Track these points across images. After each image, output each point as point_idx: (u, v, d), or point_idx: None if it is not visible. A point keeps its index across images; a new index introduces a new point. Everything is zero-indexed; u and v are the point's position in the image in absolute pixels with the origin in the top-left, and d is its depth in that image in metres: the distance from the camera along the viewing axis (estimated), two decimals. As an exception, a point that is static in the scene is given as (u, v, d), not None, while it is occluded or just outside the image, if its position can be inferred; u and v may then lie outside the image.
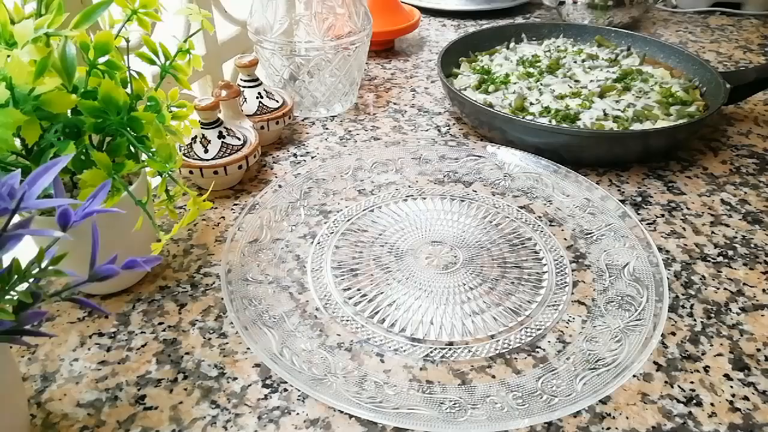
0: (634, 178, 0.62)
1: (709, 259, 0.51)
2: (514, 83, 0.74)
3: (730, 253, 0.52)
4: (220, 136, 0.57)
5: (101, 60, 0.39)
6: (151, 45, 0.44)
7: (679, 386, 0.40)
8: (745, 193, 0.60)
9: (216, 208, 0.57)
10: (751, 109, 0.76)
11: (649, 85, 0.71)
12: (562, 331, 0.43)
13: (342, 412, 0.37)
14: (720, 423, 0.37)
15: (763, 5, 1.08)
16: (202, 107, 0.56)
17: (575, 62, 0.79)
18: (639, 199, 0.59)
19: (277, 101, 0.66)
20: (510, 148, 0.63)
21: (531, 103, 0.69)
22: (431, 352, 0.42)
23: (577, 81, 0.74)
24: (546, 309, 0.45)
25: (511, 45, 0.85)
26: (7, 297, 0.30)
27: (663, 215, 0.57)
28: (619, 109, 0.66)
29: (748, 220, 0.56)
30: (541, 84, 0.73)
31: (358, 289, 0.47)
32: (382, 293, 0.47)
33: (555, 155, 0.61)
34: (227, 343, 0.43)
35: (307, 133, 0.70)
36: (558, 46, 0.84)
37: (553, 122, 0.65)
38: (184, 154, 0.56)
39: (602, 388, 0.37)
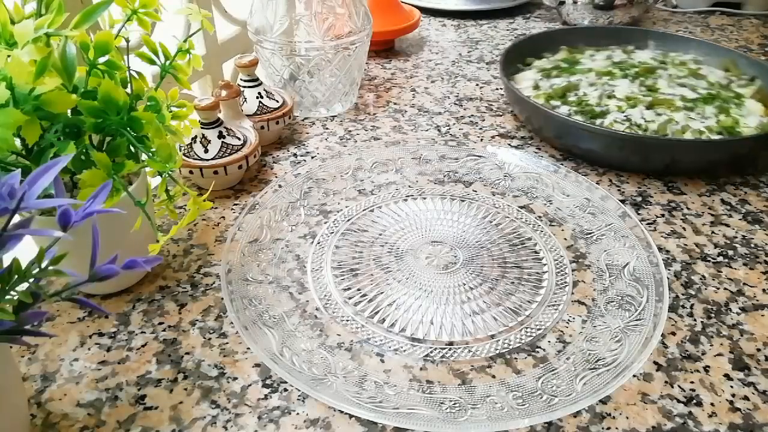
0: (634, 178, 0.62)
1: (709, 259, 0.51)
2: (587, 82, 0.72)
3: (730, 253, 0.52)
4: (220, 136, 0.57)
5: (101, 60, 0.39)
6: (151, 45, 0.44)
7: (679, 386, 0.40)
8: (746, 193, 0.60)
9: (216, 208, 0.57)
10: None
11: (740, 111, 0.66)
12: (562, 331, 0.43)
13: (342, 412, 0.37)
14: (720, 423, 0.37)
15: (763, 5, 1.07)
16: (202, 107, 0.56)
17: (669, 75, 0.74)
18: (639, 199, 0.59)
19: (277, 101, 0.66)
20: (514, 149, 0.62)
21: (594, 105, 0.67)
22: (431, 352, 0.42)
23: (655, 90, 0.70)
24: (546, 309, 0.45)
25: (628, 48, 0.82)
26: (8, 297, 0.30)
27: (663, 215, 0.57)
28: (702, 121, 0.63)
29: (748, 220, 0.56)
30: (608, 84, 0.70)
31: (358, 289, 0.47)
32: (382, 293, 0.47)
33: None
34: (227, 343, 0.43)
35: (307, 133, 0.70)
36: (673, 59, 0.79)
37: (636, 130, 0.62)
38: (184, 154, 0.56)
39: (602, 388, 0.37)
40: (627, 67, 0.75)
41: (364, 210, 0.56)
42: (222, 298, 0.46)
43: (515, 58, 0.78)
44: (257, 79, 0.66)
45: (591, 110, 0.64)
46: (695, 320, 0.45)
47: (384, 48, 0.92)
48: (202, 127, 0.57)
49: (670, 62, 0.77)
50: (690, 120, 0.63)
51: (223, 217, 0.56)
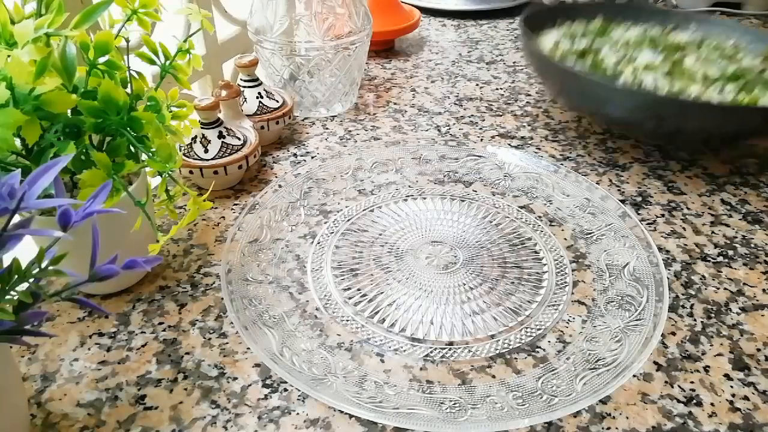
0: (634, 177, 0.62)
1: (709, 259, 0.51)
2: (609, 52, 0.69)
3: (731, 253, 0.52)
4: (220, 136, 0.57)
5: (101, 60, 0.39)
6: (151, 45, 0.44)
7: (679, 386, 0.40)
8: (746, 193, 0.60)
9: (216, 208, 0.57)
10: (752, 108, 0.76)
11: None
12: (562, 331, 0.43)
13: (342, 412, 0.37)
14: (720, 423, 0.37)
15: (763, 5, 1.07)
16: (202, 107, 0.56)
17: (700, 55, 0.70)
18: (639, 198, 0.59)
19: (277, 101, 0.66)
20: (516, 149, 0.62)
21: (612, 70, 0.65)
22: (431, 352, 0.42)
23: (680, 64, 0.67)
24: (546, 309, 0.45)
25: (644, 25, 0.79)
26: (8, 297, 0.30)
27: (663, 215, 0.57)
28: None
29: (748, 220, 0.56)
30: (632, 52, 0.68)
31: (358, 289, 0.47)
32: (382, 293, 0.47)
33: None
34: (227, 343, 0.43)
35: (307, 133, 0.70)
36: (704, 38, 0.75)
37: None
38: (184, 154, 0.56)
39: (602, 388, 0.37)
40: (659, 42, 0.72)
41: (364, 210, 0.56)
42: (222, 298, 0.46)
43: (546, 16, 0.75)
44: (257, 79, 0.66)
45: (603, 71, 0.62)
46: (695, 320, 0.45)
47: (384, 48, 0.92)
48: (202, 127, 0.57)
49: (707, 45, 0.73)
50: (705, 93, 0.59)
51: (223, 217, 0.56)
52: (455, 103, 0.77)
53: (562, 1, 0.78)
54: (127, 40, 0.42)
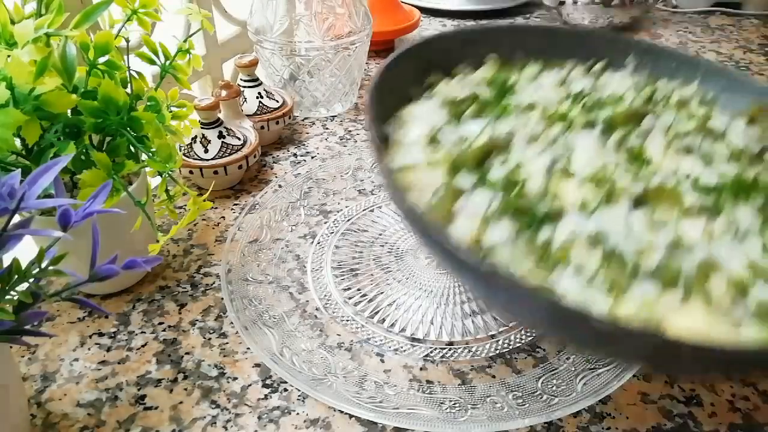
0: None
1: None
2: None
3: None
4: (220, 136, 0.57)
5: (101, 60, 0.39)
6: (151, 45, 0.44)
7: (679, 386, 0.40)
8: (746, 193, 0.60)
9: (216, 208, 0.57)
10: (752, 109, 0.76)
11: None
12: (562, 331, 0.43)
13: (342, 412, 0.37)
14: (720, 423, 0.37)
15: (764, 5, 1.07)
16: (202, 107, 0.56)
17: (668, 128, 0.46)
18: (639, 199, 0.59)
19: (277, 101, 0.66)
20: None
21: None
22: (431, 352, 0.42)
23: (641, 158, 0.43)
24: (546, 309, 0.45)
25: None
26: (8, 297, 0.30)
27: (663, 215, 0.56)
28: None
29: (748, 220, 0.56)
30: (561, 140, 0.44)
31: (358, 289, 0.47)
32: (382, 293, 0.47)
33: None
34: (227, 343, 0.43)
35: (307, 133, 0.70)
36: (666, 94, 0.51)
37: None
38: (184, 154, 0.56)
39: (602, 388, 0.37)
40: (593, 105, 0.49)
41: (363, 210, 0.56)
42: (222, 298, 0.46)
43: (406, 75, 0.47)
44: (257, 79, 0.66)
45: (530, 210, 0.37)
46: (695, 320, 0.45)
47: (384, 48, 0.92)
48: (202, 127, 0.57)
49: (663, 99, 0.51)
50: (718, 246, 0.36)
51: (223, 217, 0.56)
52: (455, 103, 0.77)
53: (431, 40, 0.49)
54: (127, 40, 0.42)
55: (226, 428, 0.37)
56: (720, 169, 0.42)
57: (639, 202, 0.37)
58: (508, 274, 0.27)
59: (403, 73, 0.46)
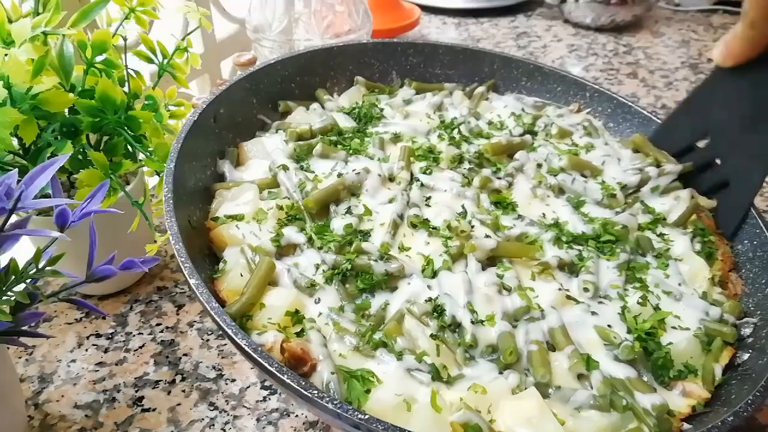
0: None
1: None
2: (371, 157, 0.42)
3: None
4: (219, 135, 0.57)
5: (99, 59, 0.39)
6: (148, 43, 0.44)
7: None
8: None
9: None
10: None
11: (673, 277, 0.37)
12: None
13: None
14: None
15: (765, 4, 1.07)
16: (201, 106, 0.55)
17: (539, 167, 0.44)
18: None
19: (277, 100, 0.66)
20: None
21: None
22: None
23: (506, 202, 0.41)
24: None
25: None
26: (4, 298, 0.30)
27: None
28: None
29: (750, 220, 0.56)
30: (421, 183, 0.40)
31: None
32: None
33: None
34: (225, 344, 0.42)
35: (307, 132, 0.69)
36: (545, 125, 0.49)
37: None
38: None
39: None
40: (462, 138, 0.46)
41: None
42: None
43: (245, 107, 0.44)
44: (257, 78, 0.65)
45: (366, 273, 0.34)
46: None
47: (384, 46, 0.92)
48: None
49: (544, 129, 0.48)
50: (571, 312, 0.34)
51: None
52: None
53: (273, 64, 0.46)
54: (125, 39, 0.42)
55: (224, 430, 0.36)
56: (590, 214, 0.40)
57: (491, 259, 0.36)
58: (313, 395, 0.25)
59: (238, 107, 0.43)
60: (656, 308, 0.35)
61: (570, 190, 0.42)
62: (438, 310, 0.32)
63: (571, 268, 0.36)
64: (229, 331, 0.27)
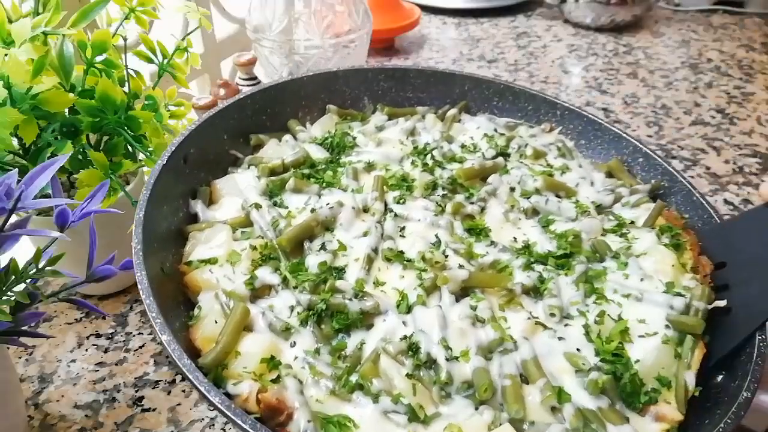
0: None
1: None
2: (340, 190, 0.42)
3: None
4: (220, 135, 0.57)
5: (99, 59, 0.39)
6: (148, 43, 0.44)
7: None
8: (748, 192, 0.60)
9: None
10: (755, 108, 0.75)
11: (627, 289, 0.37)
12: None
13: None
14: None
15: (766, 4, 1.07)
16: (200, 106, 0.55)
17: (512, 190, 0.44)
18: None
19: (277, 100, 0.66)
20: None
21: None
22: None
23: (479, 229, 0.41)
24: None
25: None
26: (5, 298, 0.30)
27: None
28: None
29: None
30: (393, 214, 0.40)
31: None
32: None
33: None
34: (226, 343, 0.42)
35: (307, 132, 0.69)
36: (519, 145, 0.49)
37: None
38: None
39: None
40: (436, 163, 0.45)
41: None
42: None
43: (218, 140, 0.44)
44: (256, 78, 0.65)
45: (342, 312, 0.34)
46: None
47: (384, 46, 0.92)
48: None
49: (519, 150, 0.48)
50: (540, 340, 0.34)
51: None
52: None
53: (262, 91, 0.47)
54: (125, 39, 0.42)
55: (224, 430, 0.36)
56: (556, 231, 0.40)
57: (465, 290, 0.36)
58: None
59: (214, 140, 0.43)
60: (618, 319, 0.34)
61: (544, 211, 0.42)
62: (413, 348, 0.32)
63: (535, 292, 0.36)
64: (202, 388, 0.27)
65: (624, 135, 0.49)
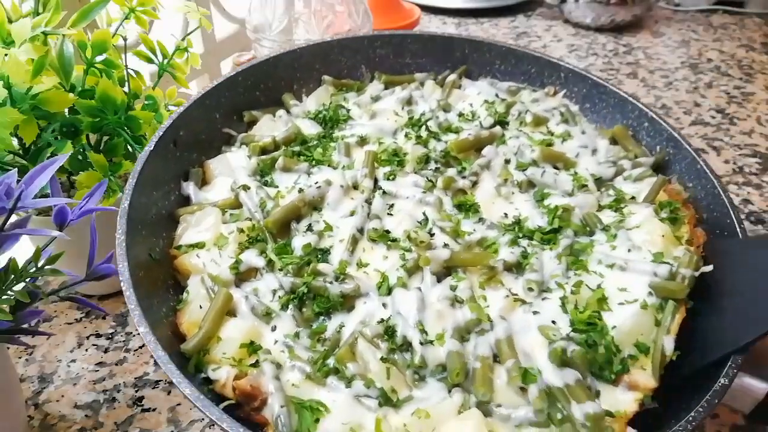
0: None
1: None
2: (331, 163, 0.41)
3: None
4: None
5: (99, 59, 0.39)
6: (148, 43, 0.44)
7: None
8: (748, 193, 0.60)
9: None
10: (755, 108, 0.75)
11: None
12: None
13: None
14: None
15: (766, 4, 1.07)
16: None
17: (506, 162, 0.43)
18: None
19: (277, 100, 0.66)
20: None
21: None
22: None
23: (469, 206, 0.40)
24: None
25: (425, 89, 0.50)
26: (4, 297, 0.30)
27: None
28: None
29: (751, 220, 0.56)
30: (383, 190, 0.40)
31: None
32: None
33: None
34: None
35: (307, 132, 0.69)
36: (520, 113, 0.47)
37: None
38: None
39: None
40: (431, 134, 0.44)
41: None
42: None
43: (216, 111, 0.44)
44: (257, 78, 0.65)
45: (323, 294, 0.34)
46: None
47: (384, 46, 0.91)
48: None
49: (519, 116, 0.47)
50: (517, 316, 0.33)
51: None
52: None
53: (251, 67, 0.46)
54: (125, 39, 0.42)
55: (224, 430, 0.36)
56: (550, 205, 0.39)
57: (448, 269, 0.35)
58: None
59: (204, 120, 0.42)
60: (597, 288, 0.33)
61: (540, 184, 0.41)
62: (389, 332, 0.32)
63: (517, 268, 0.35)
64: (174, 379, 0.28)
65: (629, 99, 0.47)
